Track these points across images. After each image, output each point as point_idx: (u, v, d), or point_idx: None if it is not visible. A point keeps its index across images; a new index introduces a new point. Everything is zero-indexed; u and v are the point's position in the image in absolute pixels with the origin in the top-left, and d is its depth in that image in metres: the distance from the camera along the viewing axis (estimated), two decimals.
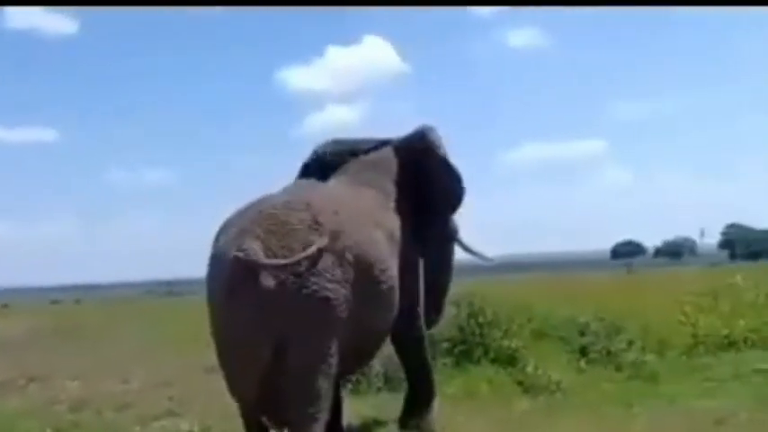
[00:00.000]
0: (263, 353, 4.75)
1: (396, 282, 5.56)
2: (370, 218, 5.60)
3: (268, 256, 4.75)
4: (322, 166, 6.45)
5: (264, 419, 5.21)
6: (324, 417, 4.94)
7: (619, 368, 8.67)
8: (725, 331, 9.81)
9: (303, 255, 4.77)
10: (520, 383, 8.04)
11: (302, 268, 4.78)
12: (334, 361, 4.95)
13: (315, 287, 4.82)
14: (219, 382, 8.41)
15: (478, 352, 8.72)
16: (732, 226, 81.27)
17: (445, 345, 8.72)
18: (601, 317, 9.63)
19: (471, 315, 8.96)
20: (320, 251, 4.87)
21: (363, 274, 5.14)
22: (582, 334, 9.32)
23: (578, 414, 6.64)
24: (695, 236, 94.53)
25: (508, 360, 8.57)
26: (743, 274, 11.97)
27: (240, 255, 4.71)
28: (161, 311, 25.92)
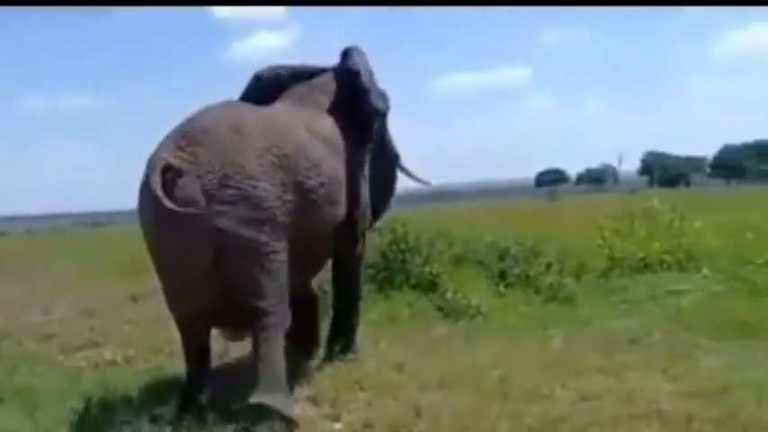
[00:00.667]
0: (202, 264, 4.74)
1: (335, 182, 5.57)
2: (302, 126, 5.53)
3: (193, 167, 4.73)
4: (263, 89, 6.30)
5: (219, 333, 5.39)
6: (278, 313, 5.00)
7: (537, 291, 8.82)
8: (641, 254, 10.03)
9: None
10: (440, 309, 8.11)
11: (226, 175, 4.76)
12: (278, 259, 4.96)
13: (241, 192, 4.79)
14: (143, 312, 8.35)
15: (400, 278, 8.74)
16: (650, 153, 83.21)
17: (368, 271, 8.71)
18: (520, 242, 9.73)
19: (393, 242, 8.95)
20: (244, 156, 4.85)
21: (295, 174, 5.13)
22: (501, 259, 9.40)
23: (497, 337, 6.72)
24: (616, 163, 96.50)
25: (429, 286, 8.62)
26: (660, 199, 12.20)
27: (158, 161, 4.69)
28: (86, 243, 25.48)
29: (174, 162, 4.72)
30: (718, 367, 5.41)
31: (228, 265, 4.78)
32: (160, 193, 4.59)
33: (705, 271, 9.10)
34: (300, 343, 6.19)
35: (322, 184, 5.40)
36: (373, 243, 8.89)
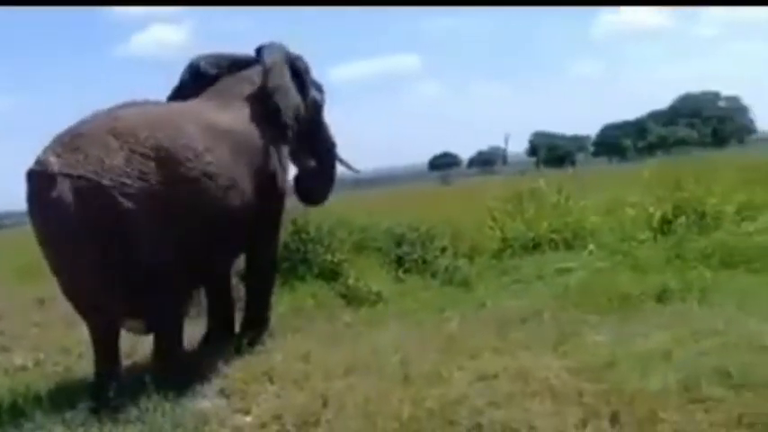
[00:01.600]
0: (86, 257, 4.93)
1: (229, 172, 5.64)
2: (193, 119, 5.62)
3: (65, 166, 4.89)
4: (196, 80, 6.40)
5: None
6: (165, 306, 5.32)
7: (434, 275, 9.08)
8: (530, 234, 10.39)
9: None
10: (343, 296, 8.28)
11: (94, 170, 4.93)
12: (158, 252, 5.13)
13: (108, 185, 4.94)
14: (51, 314, 8.20)
15: (303, 268, 8.86)
16: (537, 134, 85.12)
17: None
18: (416, 227, 9.96)
19: (295, 232, 9.05)
20: (112, 151, 5.01)
21: (173, 166, 5.24)
22: (398, 245, 9.63)
23: (397, 322, 6.92)
24: (503, 143, 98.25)
25: (331, 275, 8.77)
26: (546, 179, 12.60)
27: (35, 168, 4.92)
28: None
29: (50, 169, 4.88)
30: (604, 342, 5.72)
31: (110, 260, 4.97)
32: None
33: (591, 248, 9.48)
34: (216, 330, 6.37)
35: (208, 174, 5.46)
36: None
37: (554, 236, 10.29)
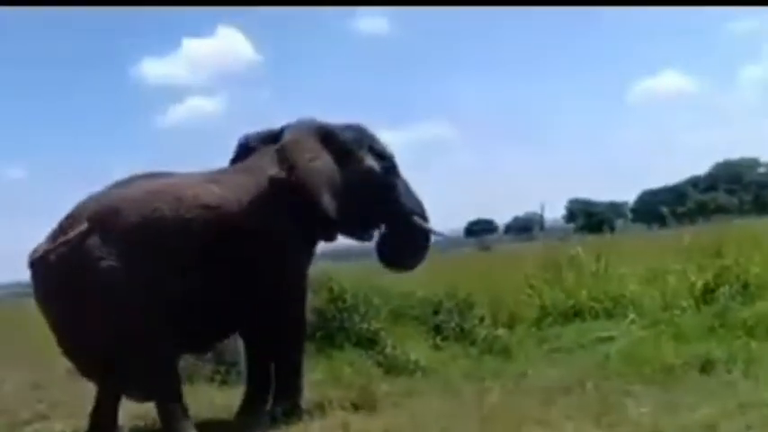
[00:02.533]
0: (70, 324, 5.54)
1: (189, 246, 5.72)
2: (171, 194, 5.78)
3: (49, 251, 5.45)
4: (240, 152, 6.63)
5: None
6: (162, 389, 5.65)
7: (473, 344, 8.99)
8: (570, 302, 10.28)
9: (63, 239, 5.44)
10: (381, 365, 8.23)
11: (71, 254, 5.42)
12: (136, 325, 5.48)
13: (81, 269, 5.36)
14: (88, 384, 8.25)
15: (340, 336, 8.84)
16: (574, 200, 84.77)
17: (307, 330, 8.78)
18: (453, 294, 9.90)
19: (331, 300, 9.06)
20: (85, 234, 5.42)
21: (146, 245, 5.53)
22: (436, 313, 9.57)
23: (436, 392, 6.86)
24: (540, 210, 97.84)
25: (369, 343, 8.73)
26: (585, 246, 12.51)
27: (31, 256, 5.55)
28: (26, 314, 24.69)
29: (38, 255, 5.52)
30: (648, 414, 5.63)
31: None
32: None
33: (632, 316, 9.35)
34: (253, 398, 6.58)
35: (175, 249, 5.66)
36: (309, 302, 9.01)
37: (594, 304, 10.16)
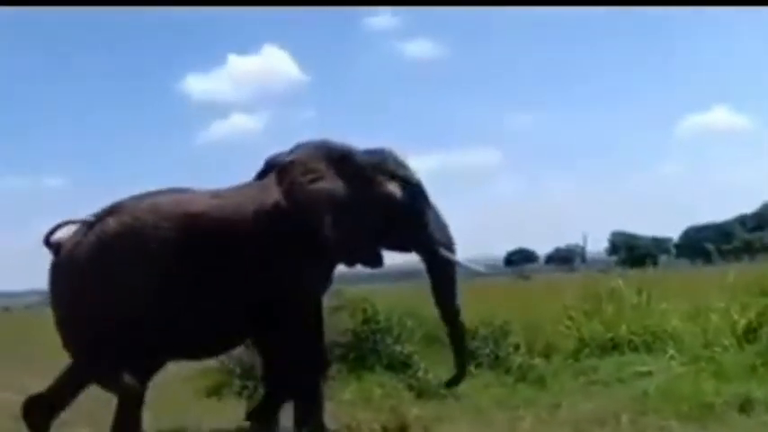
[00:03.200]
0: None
1: (180, 257, 5.84)
2: (171, 208, 5.95)
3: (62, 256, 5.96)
4: (263, 170, 6.52)
5: None
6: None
7: (507, 372, 8.86)
8: (609, 335, 10.11)
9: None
10: (412, 388, 8.15)
11: (71, 256, 5.89)
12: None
13: (78, 266, 5.83)
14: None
15: (372, 358, 8.78)
16: (617, 233, 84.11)
17: (338, 351, 8.75)
18: (489, 321, 9.79)
19: (365, 322, 9.01)
20: (85, 236, 5.88)
21: (130, 250, 5.81)
22: (470, 339, 9.44)
23: (468, 419, 6.76)
24: (582, 242, 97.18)
25: (401, 366, 8.66)
26: (626, 280, 12.34)
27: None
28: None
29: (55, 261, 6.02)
30: None
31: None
32: None
33: (671, 352, 9.18)
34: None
35: (164, 259, 5.81)
36: (343, 323, 8.99)
37: (633, 338, 9.97)
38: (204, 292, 5.88)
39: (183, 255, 5.80)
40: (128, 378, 5.77)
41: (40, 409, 6.30)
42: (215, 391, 8.16)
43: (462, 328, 6.86)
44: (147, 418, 6.39)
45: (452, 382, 7.07)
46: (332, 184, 6.21)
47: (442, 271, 6.71)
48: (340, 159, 6.33)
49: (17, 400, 8.64)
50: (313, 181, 6.14)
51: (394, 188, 6.36)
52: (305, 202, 6.08)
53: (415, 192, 6.46)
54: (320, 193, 6.13)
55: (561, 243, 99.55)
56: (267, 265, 6.02)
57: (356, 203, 6.20)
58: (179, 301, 5.79)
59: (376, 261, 6.59)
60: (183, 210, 5.92)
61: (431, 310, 10.31)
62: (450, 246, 6.67)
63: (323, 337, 6.56)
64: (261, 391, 7.95)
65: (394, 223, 6.36)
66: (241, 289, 5.99)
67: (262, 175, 6.47)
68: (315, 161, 6.24)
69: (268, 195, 6.10)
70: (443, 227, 6.67)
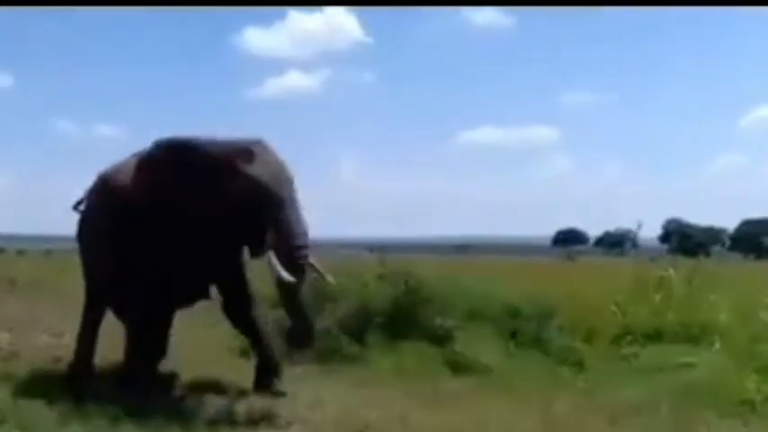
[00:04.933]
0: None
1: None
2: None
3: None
4: None
5: None
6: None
7: (547, 353, 8.77)
8: (654, 323, 9.95)
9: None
10: (449, 362, 8.11)
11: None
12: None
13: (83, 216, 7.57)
14: None
15: (411, 329, 8.74)
16: (672, 220, 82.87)
17: (379, 319, 8.75)
18: (533, 301, 9.70)
19: (407, 292, 8.98)
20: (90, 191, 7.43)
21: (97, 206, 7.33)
22: (513, 317, 9.37)
23: (503, 396, 6.72)
24: (635, 228, 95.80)
25: (439, 339, 8.61)
26: (676, 269, 12.13)
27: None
28: None
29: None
30: None
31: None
32: None
33: (716, 346, 9.02)
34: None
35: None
36: (385, 292, 8.98)
37: (679, 328, 9.80)
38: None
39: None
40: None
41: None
42: (247, 352, 8.23)
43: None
44: (181, 371, 6.48)
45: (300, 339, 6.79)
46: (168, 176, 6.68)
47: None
48: (187, 152, 6.70)
49: (54, 343, 8.90)
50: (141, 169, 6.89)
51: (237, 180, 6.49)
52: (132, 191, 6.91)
53: (252, 186, 6.44)
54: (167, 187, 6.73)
55: (612, 227, 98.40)
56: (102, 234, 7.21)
57: (200, 194, 6.51)
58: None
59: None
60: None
61: (478, 287, 10.34)
62: (294, 238, 6.44)
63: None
64: (297, 353, 8.01)
65: (233, 215, 6.45)
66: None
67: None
68: (162, 155, 6.82)
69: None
70: (288, 220, 6.48)
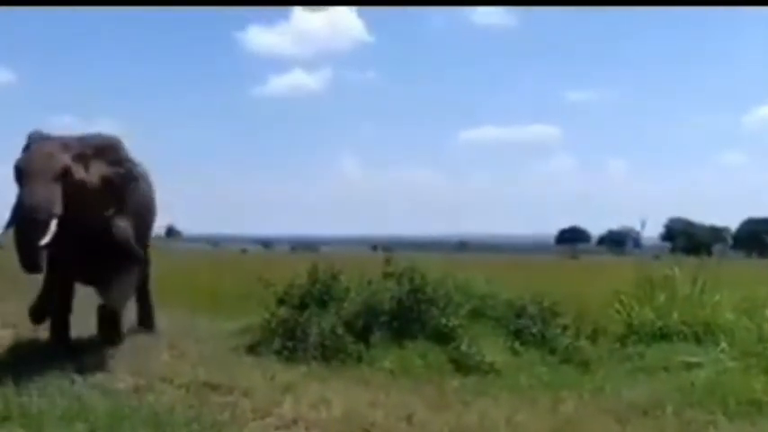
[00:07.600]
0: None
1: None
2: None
3: None
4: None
5: None
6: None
7: (552, 352, 8.74)
8: (659, 323, 9.91)
9: None
10: (454, 362, 8.09)
11: None
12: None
13: None
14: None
15: (416, 328, 8.71)
16: (675, 219, 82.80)
17: (384, 318, 8.72)
18: (538, 300, 9.67)
19: (412, 291, 8.95)
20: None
21: None
22: (518, 316, 9.34)
23: (508, 395, 6.69)
24: (638, 227, 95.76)
25: (444, 338, 8.58)
26: (681, 268, 12.08)
27: None
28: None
29: None
30: None
31: None
32: None
33: (722, 345, 8.98)
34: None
35: None
36: (390, 290, 8.95)
37: (684, 328, 9.75)
38: None
39: None
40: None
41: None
42: (252, 350, 8.19)
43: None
44: (185, 369, 6.45)
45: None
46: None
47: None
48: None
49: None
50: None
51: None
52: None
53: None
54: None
55: (615, 225, 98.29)
56: None
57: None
58: None
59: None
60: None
61: (481, 286, 10.30)
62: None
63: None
64: (299, 353, 8.03)
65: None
66: None
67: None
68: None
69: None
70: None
